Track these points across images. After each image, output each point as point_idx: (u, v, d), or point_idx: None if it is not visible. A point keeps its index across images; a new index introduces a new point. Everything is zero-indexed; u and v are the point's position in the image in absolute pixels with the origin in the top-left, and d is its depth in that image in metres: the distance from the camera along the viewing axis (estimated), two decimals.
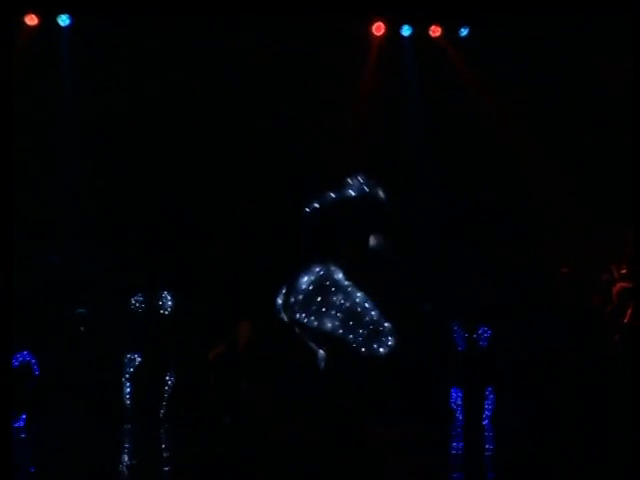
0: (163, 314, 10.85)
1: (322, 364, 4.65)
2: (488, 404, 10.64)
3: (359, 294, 4.51)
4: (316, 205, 4.62)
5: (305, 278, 4.55)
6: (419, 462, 8.44)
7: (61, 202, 11.49)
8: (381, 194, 4.56)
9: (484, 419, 10.60)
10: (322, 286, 4.53)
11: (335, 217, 4.67)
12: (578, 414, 9.75)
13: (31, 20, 11.18)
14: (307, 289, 4.52)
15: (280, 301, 4.78)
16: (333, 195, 4.57)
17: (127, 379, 10.72)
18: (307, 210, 4.63)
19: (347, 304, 4.50)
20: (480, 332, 10.60)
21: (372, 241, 4.67)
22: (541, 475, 8.00)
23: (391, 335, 4.51)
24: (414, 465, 8.19)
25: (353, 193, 4.55)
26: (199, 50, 11.44)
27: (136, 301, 10.83)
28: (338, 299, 4.49)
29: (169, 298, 10.85)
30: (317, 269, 4.59)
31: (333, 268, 4.59)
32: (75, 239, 11.36)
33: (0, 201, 5.76)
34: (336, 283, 4.53)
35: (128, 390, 10.72)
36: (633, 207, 9.45)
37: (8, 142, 6.03)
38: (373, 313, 4.49)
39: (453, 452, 9.71)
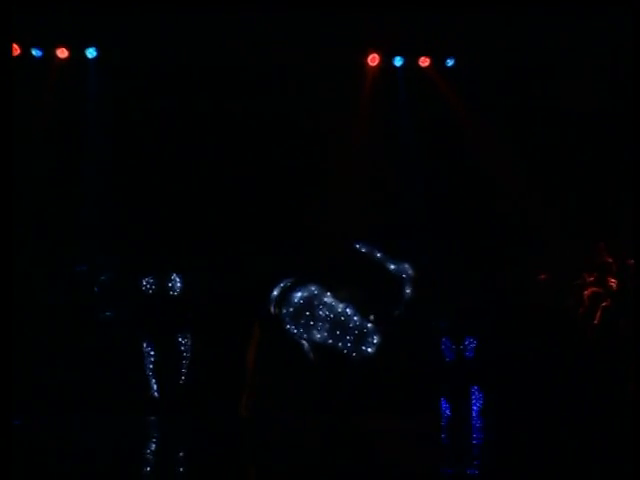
0: (173, 295, 10.79)
1: (310, 355, 5.28)
2: (475, 401, 10.73)
3: (341, 305, 4.94)
4: (363, 249, 5.15)
5: (299, 293, 4.98)
6: (412, 451, 8.11)
7: (88, 219, 12.32)
8: (407, 291, 5.07)
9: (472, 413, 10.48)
10: (310, 302, 4.92)
11: (363, 267, 5.19)
12: (559, 405, 9.84)
13: (62, 53, 11.95)
14: (298, 303, 4.95)
15: (275, 293, 5.19)
16: (378, 254, 5.09)
17: (151, 375, 10.76)
18: (357, 245, 5.21)
19: (331, 315, 4.85)
20: (466, 343, 10.82)
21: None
22: (529, 463, 7.85)
23: (375, 334, 4.94)
24: (407, 454, 7.92)
25: (392, 266, 5.06)
26: (213, 79, 12.21)
27: (147, 282, 10.90)
28: (324, 312, 4.85)
29: (178, 280, 10.89)
30: (312, 288, 5.04)
31: (328, 293, 5.02)
32: (100, 250, 12.07)
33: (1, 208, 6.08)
34: (323, 301, 4.94)
35: (154, 382, 10.73)
36: (633, 215, 10.03)
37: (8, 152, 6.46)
38: (355, 318, 4.91)
39: (444, 442, 9.36)
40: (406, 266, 5.02)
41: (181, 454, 8.71)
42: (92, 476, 7.44)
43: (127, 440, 9.24)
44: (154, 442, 9.54)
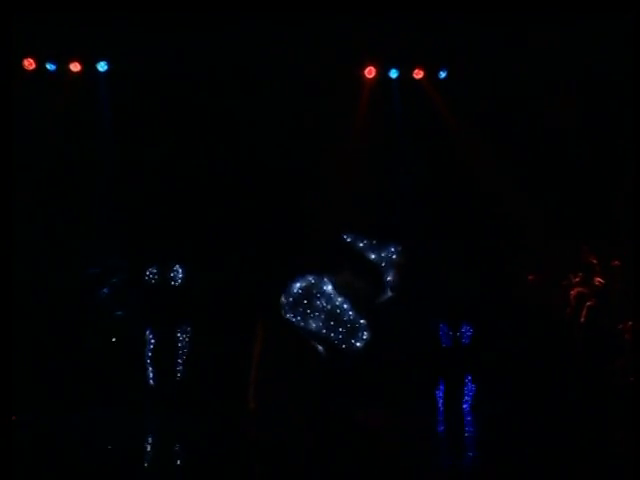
0: (174, 285, 11.21)
1: (323, 354, 5.01)
2: (468, 391, 11.05)
3: (340, 298, 4.95)
4: (348, 239, 5.44)
5: (298, 283, 4.98)
6: (406, 443, 8.73)
7: (96, 220, 12.69)
8: (389, 278, 4.98)
9: (463, 404, 10.99)
10: (309, 292, 4.91)
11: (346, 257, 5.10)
12: (548, 397, 10.29)
13: (75, 67, 12.37)
14: (297, 292, 4.92)
15: (283, 299, 5.09)
16: (361, 243, 5.09)
17: (149, 363, 11.10)
18: (345, 237, 5.55)
19: (328, 307, 4.87)
20: (463, 331, 11.01)
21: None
22: (518, 456, 8.21)
23: (366, 330, 4.91)
24: (402, 445, 8.48)
25: (372, 255, 5.30)
26: (221, 91, 12.62)
27: (150, 272, 11.28)
28: (321, 303, 4.87)
29: (180, 271, 11.29)
30: (310, 278, 5.02)
31: (325, 280, 5.01)
32: (109, 249, 12.41)
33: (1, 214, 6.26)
34: (322, 291, 4.93)
35: (151, 371, 11.05)
36: (633, 220, 10.29)
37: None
38: (350, 313, 4.90)
39: (437, 435, 10.00)
40: (391, 250, 5.00)
41: (181, 451, 9.13)
42: (93, 473, 7.79)
43: (128, 436, 9.68)
44: (154, 438, 10.00)
